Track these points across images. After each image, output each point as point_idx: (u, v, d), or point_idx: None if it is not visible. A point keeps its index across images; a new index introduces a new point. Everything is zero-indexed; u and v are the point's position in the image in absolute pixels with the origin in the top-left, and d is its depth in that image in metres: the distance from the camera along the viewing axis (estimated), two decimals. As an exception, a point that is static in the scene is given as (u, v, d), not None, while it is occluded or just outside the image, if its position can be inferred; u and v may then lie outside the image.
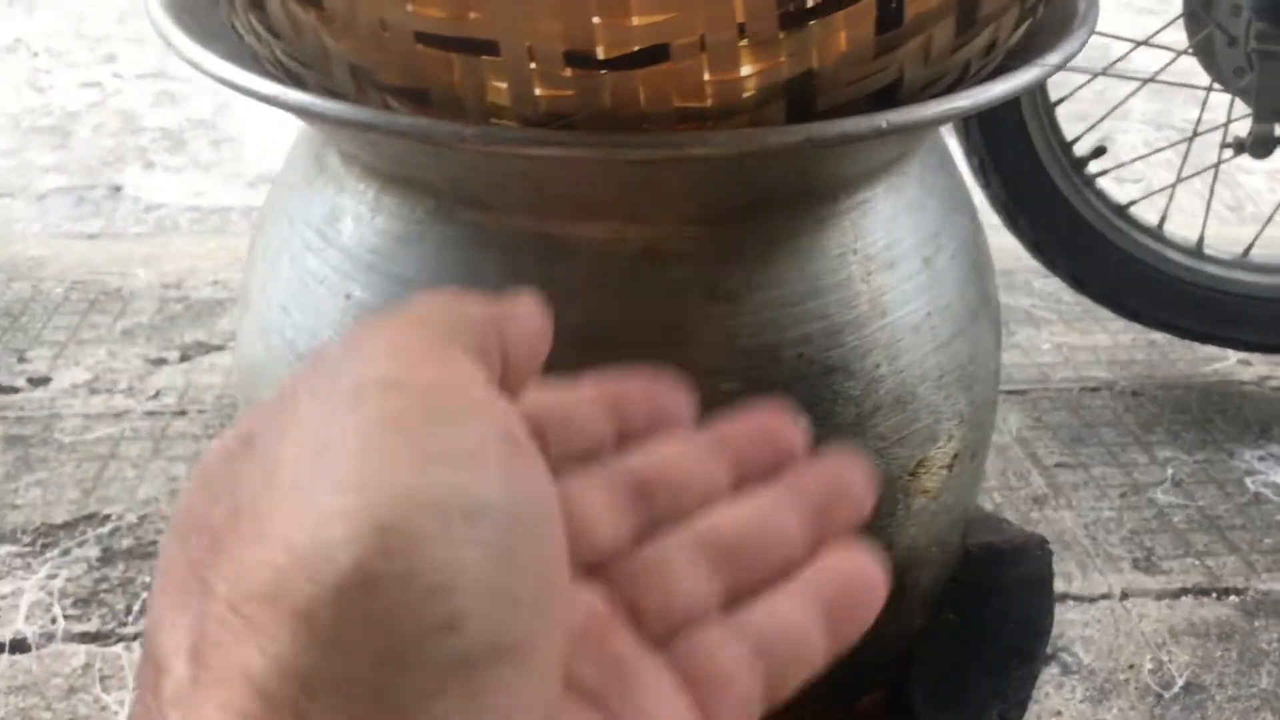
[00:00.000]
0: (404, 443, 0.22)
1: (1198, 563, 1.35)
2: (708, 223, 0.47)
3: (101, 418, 1.49)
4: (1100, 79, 1.58)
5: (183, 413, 1.51)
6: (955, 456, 0.55)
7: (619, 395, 0.32)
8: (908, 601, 0.57)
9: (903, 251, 0.51)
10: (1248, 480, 1.50)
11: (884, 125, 0.40)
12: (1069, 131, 1.53)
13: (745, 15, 0.37)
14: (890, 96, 0.43)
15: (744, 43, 0.38)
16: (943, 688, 0.61)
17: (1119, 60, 1.55)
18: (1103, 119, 1.64)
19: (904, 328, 0.51)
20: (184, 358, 1.63)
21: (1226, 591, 1.31)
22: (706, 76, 0.39)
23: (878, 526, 0.52)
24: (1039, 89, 1.51)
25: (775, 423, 0.32)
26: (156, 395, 1.54)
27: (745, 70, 0.39)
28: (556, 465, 0.26)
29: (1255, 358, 1.70)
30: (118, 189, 2.22)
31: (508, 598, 0.21)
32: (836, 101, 0.41)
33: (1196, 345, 1.81)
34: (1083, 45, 0.46)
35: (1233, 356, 1.74)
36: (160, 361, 1.61)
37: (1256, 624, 1.28)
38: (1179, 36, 1.47)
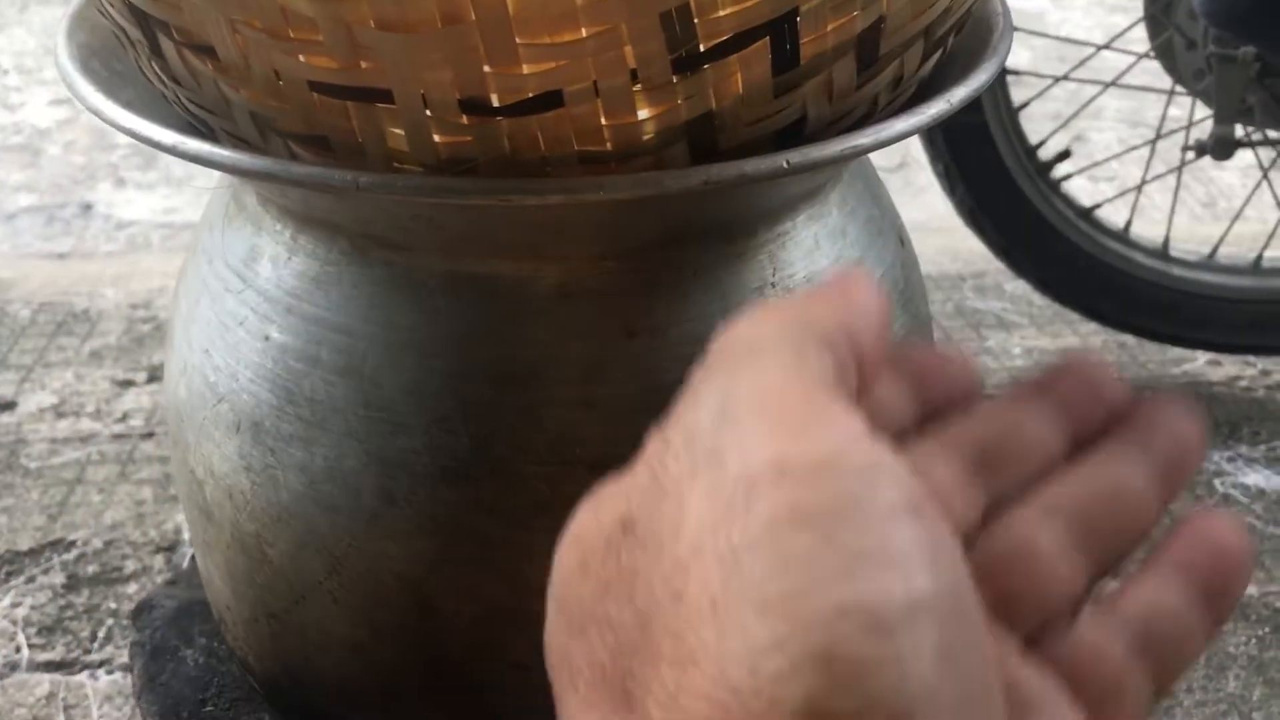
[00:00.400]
0: (818, 545, 0.20)
1: (1167, 566, 1.35)
2: (621, 258, 0.47)
3: (68, 441, 1.48)
4: (1071, 81, 1.58)
5: (150, 435, 1.50)
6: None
7: (916, 372, 0.28)
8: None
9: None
10: (1216, 482, 1.50)
11: (784, 165, 0.39)
12: (1042, 130, 1.53)
13: (636, 61, 0.37)
14: (796, 133, 0.43)
15: (638, 88, 0.38)
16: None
17: (1083, 63, 1.55)
18: (1070, 119, 1.64)
19: (827, 359, 0.50)
20: (152, 379, 1.62)
21: (1195, 594, 1.31)
22: (603, 121, 0.39)
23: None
24: (1001, 94, 1.51)
25: (1099, 375, 0.28)
26: (124, 418, 1.54)
27: (643, 114, 0.39)
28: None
29: (1224, 358, 1.70)
30: (89, 207, 2.21)
31: (963, 703, 0.20)
32: (740, 140, 0.41)
33: (1166, 346, 1.81)
34: (992, 78, 0.46)
35: (1201, 357, 1.74)
36: (128, 383, 1.61)
37: (1224, 627, 1.27)
38: (1144, 37, 1.47)
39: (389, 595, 0.50)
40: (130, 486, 1.41)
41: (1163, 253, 1.61)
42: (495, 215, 0.43)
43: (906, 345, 0.30)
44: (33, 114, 2.63)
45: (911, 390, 0.28)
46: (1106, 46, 1.54)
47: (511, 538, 0.48)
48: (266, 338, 0.50)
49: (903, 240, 0.58)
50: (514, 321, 0.47)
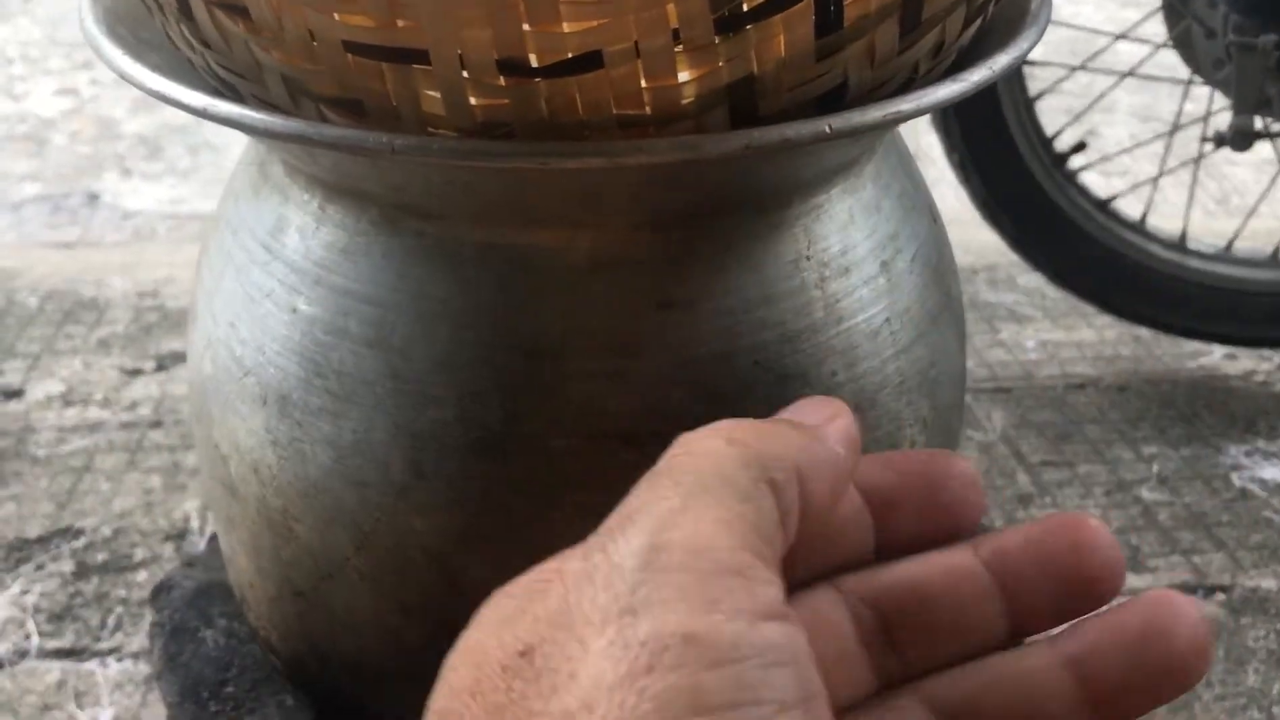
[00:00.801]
0: None
1: (1184, 560, 1.34)
2: (657, 229, 0.46)
3: (76, 430, 1.48)
4: (1084, 72, 1.57)
5: (158, 424, 1.50)
6: (918, 463, 0.54)
7: (897, 485, 0.29)
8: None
9: (859, 256, 0.50)
10: (1234, 476, 1.49)
11: (827, 129, 0.39)
12: (1053, 125, 1.52)
13: (679, 21, 0.36)
14: (837, 100, 0.42)
15: (679, 48, 0.37)
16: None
17: (1098, 53, 1.54)
18: (1084, 112, 1.63)
19: (861, 334, 0.50)
20: (160, 368, 1.61)
21: (1213, 589, 1.30)
22: (643, 83, 0.38)
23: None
24: (1018, 84, 1.50)
25: (1086, 545, 0.27)
26: (132, 406, 1.53)
27: (683, 76, 0.38)
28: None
29: (1241, 352, 1.69)
30: (95, 197, 2.21)
31: None
32: (780, 106, 0.40)
33: (1182, 340, 1.80)
34: (1033, 45, 0.45)
35: (1218, 351, 1.73)
36: (136, 372, 1.60)
37: (1243, 621, 1.27)
38: (1160, 29, 1.46)
39: (416, 571, 0.50)
40: (139, 475, 1.40)
41: (1180, 245, 1.60)
42: (531, 181, 0.43)
43: (919, 460, 0.29)
44: (38, 104, 2.62)
45: (884, 510, 0.28)
46: (1123, 36, 1.53)
47: (541, 512, 0.47)
48: (294, 310, 0.49)
49: (934, 217, 0.57)
50: (546, 293, 0.46)
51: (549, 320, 0.47)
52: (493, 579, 0.50)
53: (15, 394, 1.54)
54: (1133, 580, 1.30)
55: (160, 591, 0.66)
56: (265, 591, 0.56)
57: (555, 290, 0.46)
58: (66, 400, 1.53)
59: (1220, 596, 1.29)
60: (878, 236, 0.51)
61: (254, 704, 0.60)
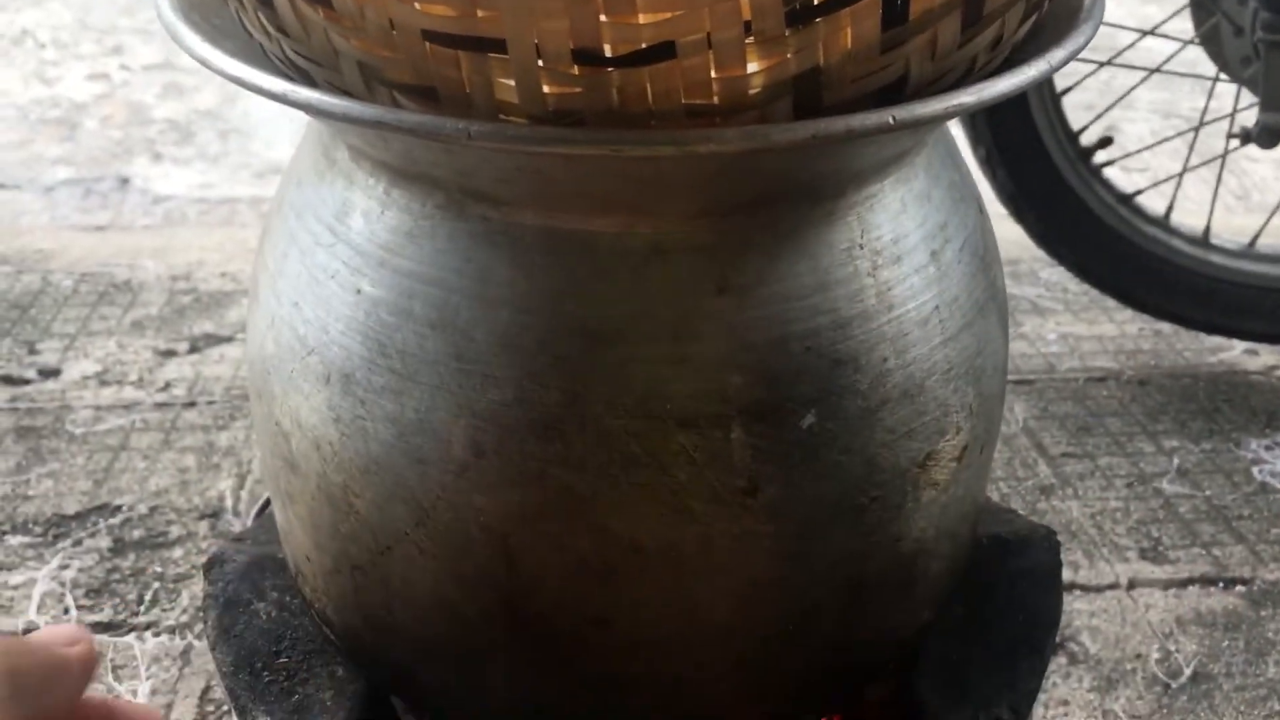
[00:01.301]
0: None
1: (1204, 552, 1.35)
2: (716, 217, 0.47)
3: (112, 409, 1.50)
4: (1107, 69, 1.58)
5: (192, 404, 1.52)
6: (964, 449, 0.55)
7: None
8: (916, 595, 0.58)
9: (910, 245, 0.51)
10: (1254, 470, 1.50)
11: (890, 121, 0.40)
12: (1075, 121, 1.53)
13: (752, 13, 0.37)
14: (896, 92, 0.43)
15: (750, 40, 0.38)
16: (951, 680, 0.61)
17: (1125, 50, 1.55)
18: (1109, 109, 1.63)
19: (911, 321, 0.51)
20: (193, 349, 1.63)
21: (1233, 581, 1.31)
22: (713, 74, 0.39)
23: (886, 519, 0.53)
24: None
25: None
26: (166, 387, 1.55)
27: (752, 67, 0.40)
28: None
29: (1262, 347, 1.70)
30: (126, 181, 2.23)
31: None
32: (843, 98, 0.42)
33: (1203, 335, 1.81)
34: (1088, 40, 0.46)
35: (1239, 346, 1.74)
36: (170, 353, 1.62)
37: (1263, 613, 1.28)
38: (1186, 25, 1.47)
39: (475, 548, 0.51)
40: (174, 454, 1.42)
41: (1203, 240, 1.60)
42: (599, 168, 0.44)
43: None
44: (70, 88, 2.65)
45: None
46: (1151, 33, 1.53)
47: (599, 492, 0.49)
48: (358, 291, 0.51)
49: (981, 208, 0.58)
50: (607, 277, 0.48)
51: (609, 304, 0.48)
52: (550, 557, 0.51)
53: (52, 373, 1.56)
54: (1153, 571, 1.31)
55: (213, 565, 0.68)
56: (322, 565, 0.58)
57: (616, 275, 0.48)
58: (102, 380, 1.55)
59: (1240, 589, 1.30)
60: (928, 225, 0.52)
61: (306, 674, 0.62)
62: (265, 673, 0.62)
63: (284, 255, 0.55)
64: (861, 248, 0.50)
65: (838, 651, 0.56)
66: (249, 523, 0.74)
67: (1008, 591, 0.66)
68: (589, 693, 0.55)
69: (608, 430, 0.48)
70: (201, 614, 0.67)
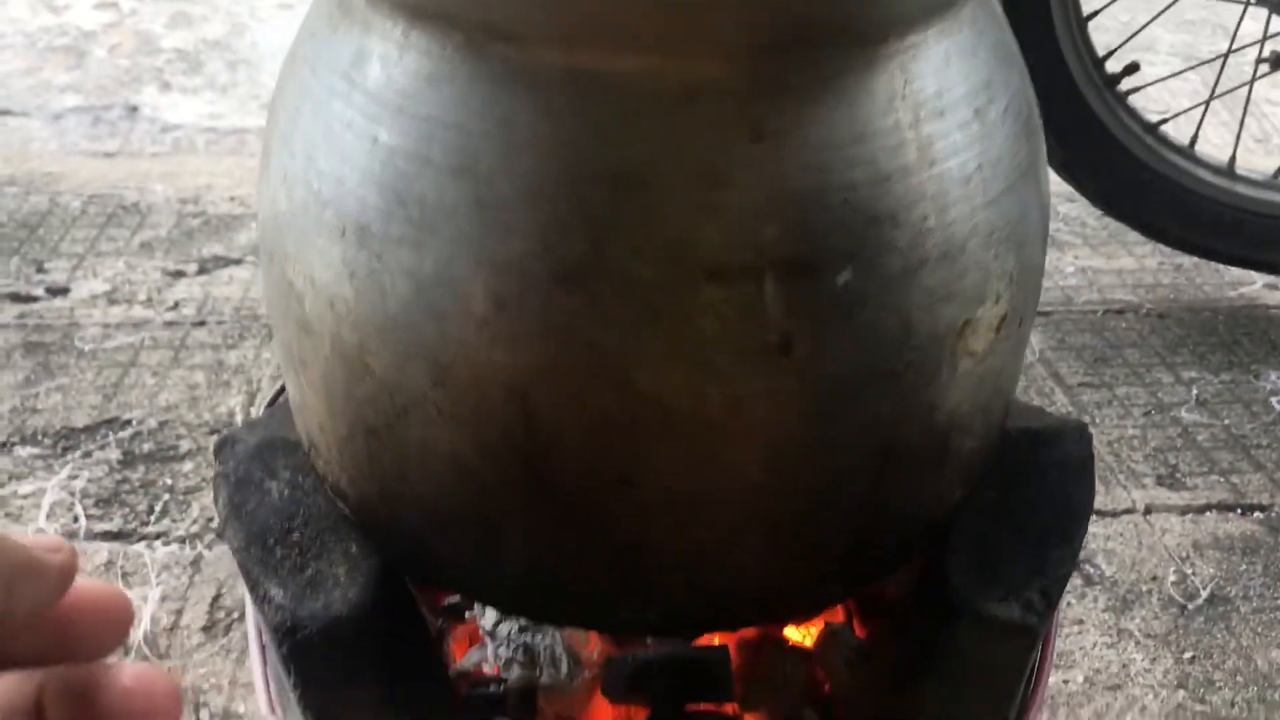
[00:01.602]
0: None
1: (1222, 480, 1.33)
2: (750, 58, 0.45)
3: (121, 327, 1.48)
4: (1129, 11, 1.54)
5: (202, 323, 1.50)
6: (1003, 319, 0.53)
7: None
8: (948, 470, 0.56)
9: (953, 100, 0.49)
10: (1274, 400, 1.48)
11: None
12: (1100, 45, 1.50)
13: None
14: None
15: None
16: (980, 562, 0.59)
17: (1156, -28, 1.52)
18: (1134, 36, 1.60)
19: (953, 179, 0.49)
20: (202, 270, 1.62)
21: (1251, 508, 1.29)
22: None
23: (921, 387, 0.51)
24: (1071, 2, 1.47)
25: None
26: (175, 306, 1.54)
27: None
28: None
29: (1283, 280, 1.68)
30: (134, 109, 2.20)
31: None
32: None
33: (1223, 269, 1.78)
34: None
35: (1259, 280, 1.71)
36: (178, 274, 1.61)
37: (1284, 539, 1.27)
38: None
39: (495, 407, 0.49)
40: (183, 371, 1.41)
41: (1228, 171, 1.58)
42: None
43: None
44: (78, 16, 2.61)
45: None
46: (1184, -47, 1.50)
47: (623, 346, 0.47)
48: (375, 140, 0.49)
49: (1024, 74, 0.56)
50: (635, 121, 0.46)
51: (637, 149, 0.46)
52: (571, 415, 0.50)
53: (61, 291, 1.54)
54: (1170, 497, 1.30)
55: (224, 445, 0.67)
56: (336, 433, 0.56)
57: (644, 118, 0.46)
58: (111, 299, 1.54)
59: (1258, 515, 1.28)
60: (973, 82, 0.50)
61: (319, 550, 0.61)
62: (278, 548, 0.61)
63: (297, 110, 0.53)
64: (904, 99, 0.48)
65: (867, 524, 0.54)
66: (260, 412, 0.73)
67: (1039, 481, 0.65)
68: (610, 560, 0.53)
69: (634, 281, 0.46)
70: (212, 493, 0.65)
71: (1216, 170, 1.56)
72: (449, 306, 0.48)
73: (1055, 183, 1.61)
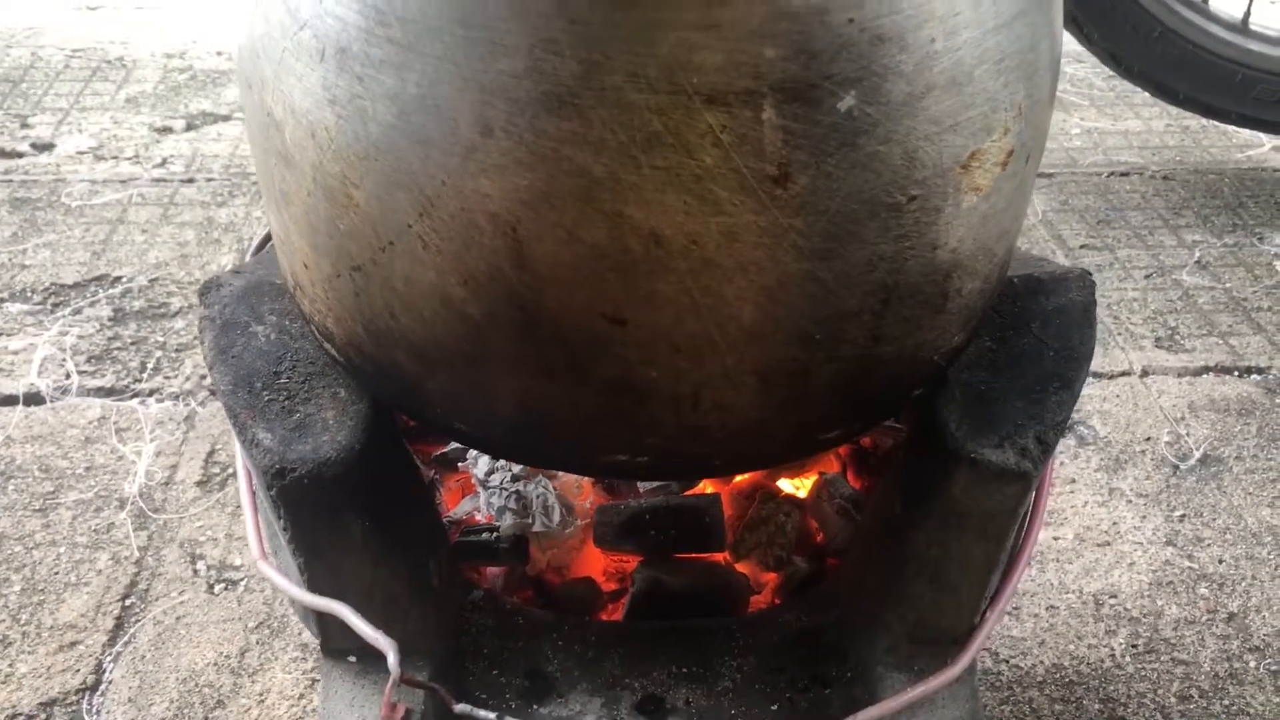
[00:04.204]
0: None
1: (1221, 342, 1.32)
2: None
3: (108, 183, 1.45)
4: None
5: (190, 180, 1.47)
6: (1010, 154, 0.51)
7: None
8: (948, 313, 0.55)
9: (962, -86, 0.46)
10: (1277, 263, 1.46)
11: None
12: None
13: None
14: None
15: None
16: (978, 409, 0.59)
17: None
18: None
19: (963, 0, 0.47)
20: (190, 127, 1.58)
21: (1249, 370, 1.29)
22: None
23: (924, 223, 0.49)
24: None
25: None
26: (163, 163, 1.50)
27: None
28: None
29: (1293, 142, 1.65)
30: (115, -40, 2.12)
31: None
32: None
33: (1231, 131, 1.75)
34: None
35: (1268, 143, 1.68)
36: (166, 130, 1.57)
37: (1277, 401, 1.26)
38: None
39: (482, 239, 0.48)
40: (172, 228, 1.39)
41: (1242, 26, 1.53)
42: None
43: None
44: None
45: None
46: None
47: (616, 174, 0.45)
48: (354, -45, 0.46)
49: (1037, -107, 0.53)
50: (629, -67, 0.43)
51: (631, -36, 0.43)
52: (562, 248, 0.48)
53: (46, 147, 1.51)
54: (1168, 359, 1.29)
55: (209, 289, 0.65)
56: (320, 271, 0.55)
57: (639, -70, 0.43)
58: (97, 155, 1.51)
59: (1256, 378, 1.28)
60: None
61: (307, 395, 0.60)
62: (265, 392, 0.60)
63: (273, -73, 0.50)
64: (910, -85, 0.45)
65: (866, 366, 0.53)
66: (247, 258, 0.72)
67: (1040, 328, 0.63)
68: (601, 401, 0.52)
69: (628, 105, 0.44)
70: (198, 335, 0.64)
71: (1230, 26, 1.52)
72: (434, 132, 0.46)
73: (1065, 40, 1.57)
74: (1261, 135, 1.62)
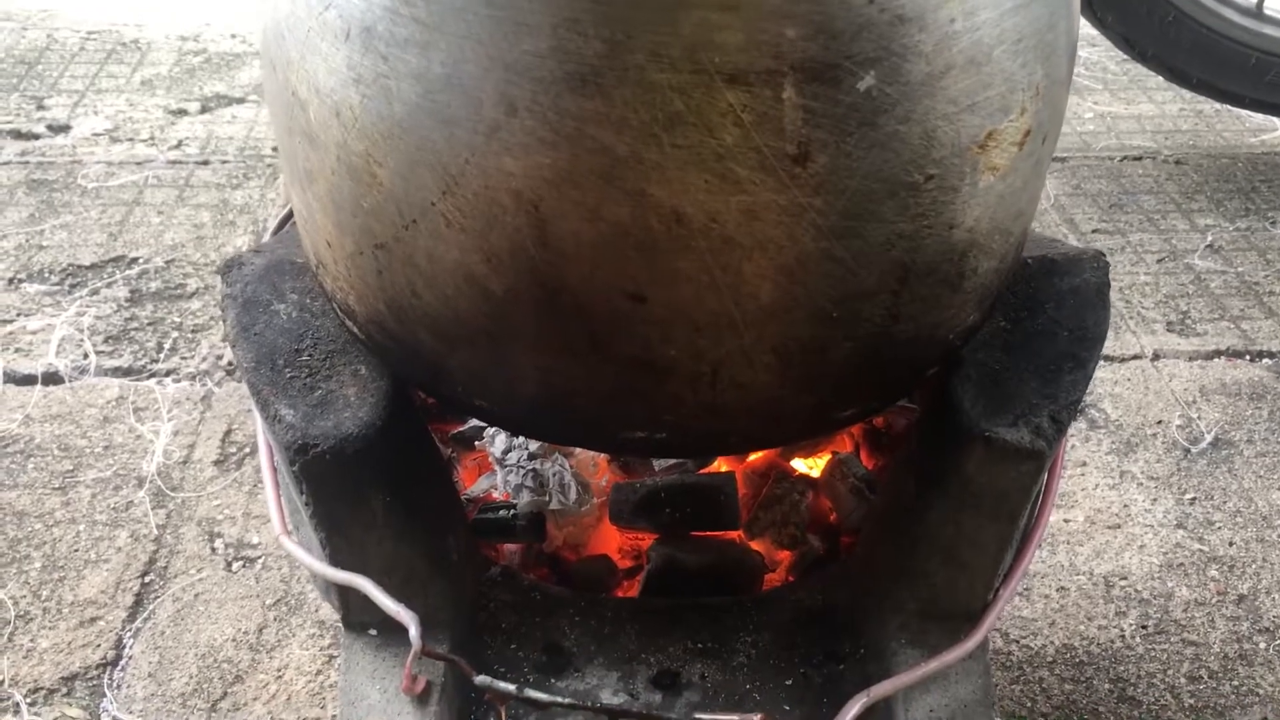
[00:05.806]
0: None
1: (1233, 326, 1.33)
2: None
3: (124, 165, 1.46)
4: None
5: (206, 162, 1.48)
6: (1027, 134, 0.52)
7: None
8: (964, 292, 0.55)
9: (981, -105, 0.47)
10: (1294, 249, 1.46)
11: None
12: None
13: None
14: None
15: None
16: (991, 388, 0.59)
17: None
18: None
19: (979, -20, 0.47)
20: (205, 109, 1.59)
21: (1261, 354, 1.29)
22: None
23: (941, 202, 0.50)
24: None
25: None
26: (179, 145, 1.51)
27: None
28: None
29: (1307, 127, 1.65)
30: (129, -57, 2.13)
31: None
32: None
33: (1244, 116, 1.74)
34: None
35: (1283, 127, 1.68)
36: (181, 112, 1.58)
37: (1287, 385, 1.27)
38: None
39: (505, 217, 0.48)
40: (189, 210, 1.40)
41: (1257, 11, 1.53)
42: None
43: None
44: None
45: None
46: None
47: (638, 153, 0.46)
48: (380, -64, 0.47)
49: (1055, -126, 0.53)
50: (651, -87, 0.44)
51: (653, -57, 0.44)
52: (583, 227, 0.49)
53: (62, 129, 1.52)
54: (1179, 343, 1.30)
55: (230, 267, 0.66)
56: (343, 249, 0.55)
57: (661, -90, 0.44)
58: (113, 137, 1.51)
59: (1267, 362, 1.28)
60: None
61: (329, 372, 0.61)
62: (287, 369, 0.61)
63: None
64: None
65: (883, 344, 0.54)
66: (267, 238, 0.72)
67: (1054, 308, 0.64)
68: (620, 378, 0.53)
69: (651, 84, 0.45)
70: (220, 313, 0.65)
71: (1244, 10, 1.52)
72: (458, 111, 0.47)
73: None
74: (1275, 120, 1.61)
